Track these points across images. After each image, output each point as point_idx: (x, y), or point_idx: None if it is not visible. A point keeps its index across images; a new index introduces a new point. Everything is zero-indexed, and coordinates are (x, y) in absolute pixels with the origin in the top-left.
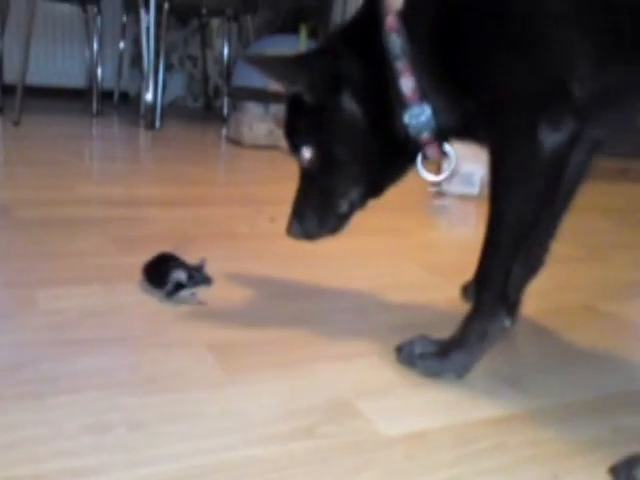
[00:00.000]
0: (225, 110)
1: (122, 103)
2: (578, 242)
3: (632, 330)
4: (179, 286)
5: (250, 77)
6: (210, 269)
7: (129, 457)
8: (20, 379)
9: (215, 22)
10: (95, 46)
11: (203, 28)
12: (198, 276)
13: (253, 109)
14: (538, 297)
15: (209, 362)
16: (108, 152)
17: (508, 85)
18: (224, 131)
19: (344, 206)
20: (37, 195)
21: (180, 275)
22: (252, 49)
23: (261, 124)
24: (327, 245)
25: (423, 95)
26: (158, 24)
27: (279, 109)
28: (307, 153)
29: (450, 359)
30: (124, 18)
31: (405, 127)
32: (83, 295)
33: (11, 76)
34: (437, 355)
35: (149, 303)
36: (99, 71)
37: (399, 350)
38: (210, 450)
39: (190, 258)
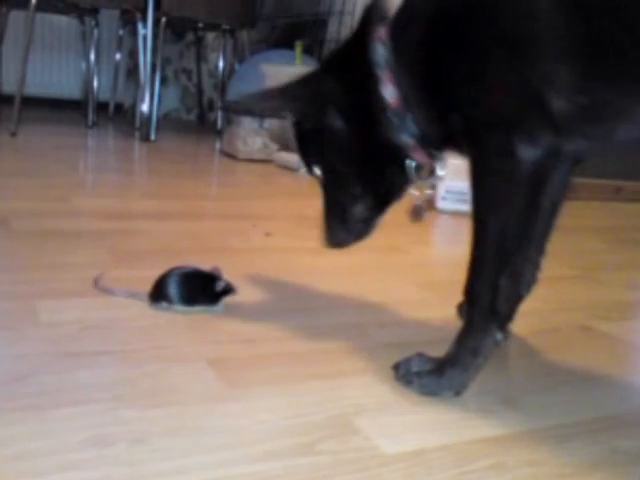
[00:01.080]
0: (219, 123)
1: (117, 115)
2: (572, 262)
3: (627, 350)
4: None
5: (245, 91)
6: None
7: (131, 471)
8: (22, 392)
9: (210, 36)
10: (92, 58)
11: (198, 42)
12: (226, 284)
13: (247, 123)
14: (533, 317)
15: (209, 377)
16: (103, 164)
17: (485, 101)
18: (218, 144)
19: (359, 213)
20: (34, 206)
21: (221, 285)
22: (247, 64)
23: (255, 138)
24: (322, 261)
25: (405, 104)
26: (154, 37)
27: (273, 123)
28: (317, 171)
29: (446, 377)
30: (121, 31)
31: (388, 132)
32: (83, 308)
33: (9, 87)
34: (433, 373)
35: (149, 316)
36: (95, 83)
37: (396, 368)
38: (210, 465)
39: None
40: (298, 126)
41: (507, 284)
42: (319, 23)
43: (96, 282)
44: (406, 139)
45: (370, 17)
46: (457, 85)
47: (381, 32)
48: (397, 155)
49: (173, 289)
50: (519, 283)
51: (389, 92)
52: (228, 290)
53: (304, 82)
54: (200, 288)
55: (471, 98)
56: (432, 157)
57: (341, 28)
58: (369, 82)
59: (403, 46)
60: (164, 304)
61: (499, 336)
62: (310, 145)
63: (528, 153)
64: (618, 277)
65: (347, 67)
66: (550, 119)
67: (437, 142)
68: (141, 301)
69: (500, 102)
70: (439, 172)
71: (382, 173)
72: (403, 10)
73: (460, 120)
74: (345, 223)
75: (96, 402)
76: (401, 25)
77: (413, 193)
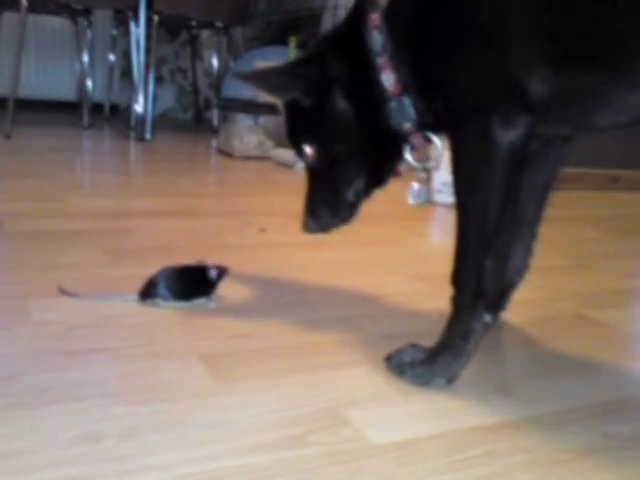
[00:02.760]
0: (215, 121)
1: (113, 115)
2: (568, 251)
3: (621, 338)
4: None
5: (240, 89)
6: None
7: (122, 466)
8: (13, 390)
9: (205, 34)
10: (85, 59)
11: (193, 40)
12: (218, 270)
13: (243, 120)
14: (528, 306)
15: (200, 372)
16: (99, 164)
17: (464, 85)
18: (214, 142)
19: (350, 196)
20: (29, 208)
21: (214, 272)
22: (242, 61)
23: (251, 135)
24: (316, 256)
25: (404, 88)
26: (148, 37)
27: (269, 120)
28: (309, 151)
29: (438, 364)
30: (114, 31)
31: (388, 119)
32: (75, 307)
33: (2, 89)
34: (425, 362)
35: (140, 314)
36: (89, 84)
37: (388, 359)
38: (201, 459)
39: None
40: (293, 105)
41: (492, 264)
42: (313, 18)
43: (61, 288)
44: (405, 124)
45: (362, 4)
46: (440, 69)
47: (376, 19)
48: (394, 138)
49: (167, 286)
50: (505, 264)
51: (388, 78)
52: (222, 274)
53: (313, 60)
54: (194, 281)
55: (451, 82)
56: (428, 141)
57: (335, 22)
58: (368, 68)
59: (398, 31)
60: (158, 301)
61: (487, 318)
62: (305, 124)
63: (505, 136)
64: (613, 266)
65: (346, 53)
66: (525, 102)
67: (431, 125)
68: (113, 302)
69: (477, 86)
70: (434, 155)
71: (378, 155)
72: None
73: (442, 104)
74: (332, 206)
75: (86, 399)
76: (395, 11)
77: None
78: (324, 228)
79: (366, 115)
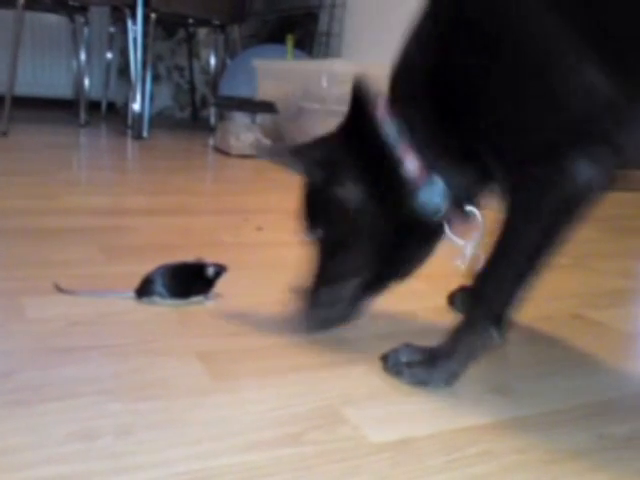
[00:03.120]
0: (212, 120)
1: (109, 113)
2: (564, 250)
3: (617, 338)
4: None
5: (237, 87)
6: None
7: (117, 464)
8: (8, 387)
9: (202, 32)
10: (82, 56)
11: (190, 38)
12: (216, 267)
13: (240, 119)
14: (525, 305)
15: (197, 370)
16: (95, 162)
17: (533, 130)
18: (211, 141)
19: (354, 289)
20: (25, 204)
21: (211, 269)
22: (238, 59)
23: (248, 134)
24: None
25: (431, 170)
26: (145, 34)
27: (265, 119)
28: (317, 234)
29: (437, 368)
30: (111, 29)
31: (421, 209)
32: (70, 304)
33: None
34: (424, 363)
35: (136, 311)
36: (86, 81)
37: (385, 358)
38: (197, 456)
39: None
40: (309, 185)
41: (521, 296)
42: (310, 17)
43: (57, 285)
44: (439, 203)
45: (362, 95)
46: (497, 124)
47: (382, 107)
48: (427, 228)
49: (164, 284)
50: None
51: (412, 166)
52: (220, 271)
53: (317, 142)
54: (191, 279)
55: (509, 132)
56: (466, 216)
57: (332, 21)
58: (385, 159)
59: (413, 111)
60: (155, 298)
61: (497, 338)
62: (315, 204)
63: (590, 178)
64: (611, 265)
65: (357, 145)
66: (608, 140)
67: (470, 197)
68: (110, 299)
69: (548, 128)
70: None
71: (399, 247)
72: (399, 78)
73: (502, 158)
74: (333, 299)
75: (82, 396)
76: (404, 93)
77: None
78: (319, 327)
79: (384, 204)
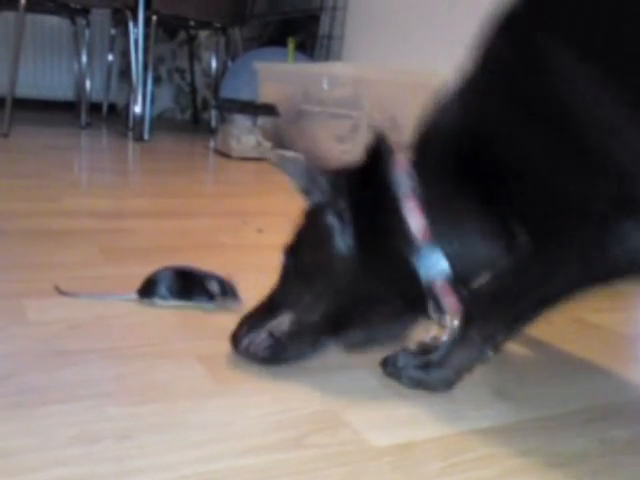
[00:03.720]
0: (213, 122)
1: (110, 115)
2: None
3: (618, 341)
4: (210, 297)
5: (238, 89)
6: None
7: (118, 467)
8: (8, 390)
9: (203, 35)
10: (84, 58)
11: (191, 41)
12: (230, 290)
13: (241, 121)
14: None
15: (198, 373)
16: (96, 164)
17: (581, 196)
18: (212, 143)
19: (289, 325)
20: (25, 207)
21: (213, 286)
22: (240, 61)
23: (249, 136)
24: None
25: (436, 237)
26: (146, 37)
27: (267, 121)
28: (289, 259)
29: (436, 372)
30: (112, 31)
31: (414, 271)
32: (71, 306)
33: (0, 89)
34: (423, 368)
35: (137, 314)
36: (88, 83)
37: (384, 363)
38: (198, 460)
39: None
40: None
41: (520, 330)
42: (311, 19)
43: (58, 288)
44: (433, 275)
45: (381, 145)
46: (533, 192)
47: (402, 160)
48: (407, 292)
49: (167, 286)
50: None
51: (418, 225)
52: (225, 290)
53: (328, 171)
54: (194, 285)
55: (558, 199)
56: (461, 299)
57: (334, 23)
58: (389, 209)
59: (434, 168)
60: (157, 300)
61: (491, 355)
62: (303, 226)
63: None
64: None
65: (365, 185)
66: None
67: (478, 272)
68: (111, 301)
69: (595, 195)
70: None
71: (364, 304)
72: (426, 135)
73: (532, 226)
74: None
75: (83, 399)
76: (428, 150)
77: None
78: (250, 356)
79: (374, 256)
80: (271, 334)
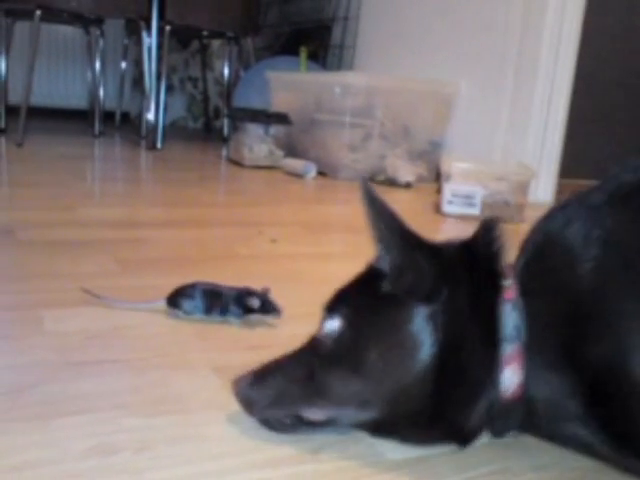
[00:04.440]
0: (225, 131)
1: (124, 123)
2: None
3: None
4: (249, 311)
5: (250, 98)
6: None
7: (136, 479)
8: (25, 401)
9: (215, 44)
10: (97, 67)
11: (204, 50)
12: (269, 305)
13: (253, 130)
14: None
15: (214, 384)
16: (110, 173)
17: None
18: (224, 152)
19: (317, 410)
20: (40, 216)
21: (254, 302)
22: (252, 71)
23: (261, 145)
24: (328, 267)
25: (528, 393)
26: (159, 46)
27: (279, 130)
28: (334, 325)
29: None
30: (126, 40)
31: (477, 421)
32: (88, 317)
33: (15, 97)
34: None
35: (154, 325)
36: (101, 92)
37: None
38: (215, 473)
39: (196, 279)
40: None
41: None
42: (323, 29)
43: (87, 290)
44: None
45: (494, 254)
46: None
47: (511, 288)
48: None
49: (196, 299)
50: None
51: (512, 378)
52: (267, 308)
53: (437, 252)
54: (228, 301)
55: None
56: None
57: (345, 33)
58: (485, 348)
59: (546, 311)
60: (182, 313)
61: None
62: (363, 297)
63: None
64: None
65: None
66: None
67: None
68: (144, 310)
69: None
70: None
71: (428, 427)
72: (539, 265)
73: None
74: (283, 399)
75: (100, 411)
76: (540, 285)
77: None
78: (249, 406)
79: (453, 395)
80: (299, 418)
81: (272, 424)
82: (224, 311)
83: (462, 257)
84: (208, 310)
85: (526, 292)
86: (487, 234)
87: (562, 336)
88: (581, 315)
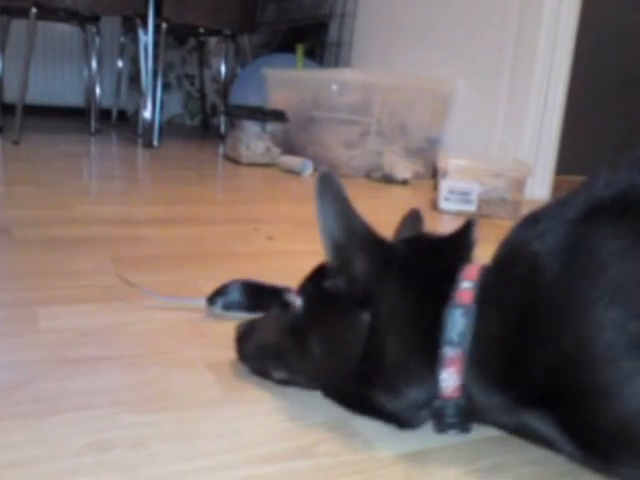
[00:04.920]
0: (222, 128)
1: (120, 121)
2: None
3: None
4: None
5: (247, 96)
6: (208, 288)
7: (131, 476)
8: (20, 398)
9: (212, 41)
10: (94, 65)
11: (200, 47)
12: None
13: (250, 127)
14: None
15: (209, 381)
16: (106, 171)
17: None
18: (221, 149)
19: (280, 372)
20: (37, 214)
21: (292, 298)
22: (249, 68)
23: (258, 142)
24: None
25: (465, 396)
26: (156, 44)
27: (276, 127)
28: (298, 303)
29: None
30: (122, 38)
31: (412, 409)
32: (83, 314)
33: (11, 95)
34: None
35: (150, 322)
36: (97, 90)
37: None
38: (210, 469)
39: (193, 277)
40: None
41: None
42: (320, 26)
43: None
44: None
45: (459, 257)
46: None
47: (467, 290)
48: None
49: (241, 297)
50: None
51: (450, 380)
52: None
53: (382, 243)
54: (269, 297)
55: None
56: None
57: (342, 30)
58: (423, 343)
59: (498, 320)
60: (221, 310)
61: None
62: (316, 281)
63: None
64: None
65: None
66: None
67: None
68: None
69: None
70: None
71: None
72: (499, 275)
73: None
74: (262, 351)
75: (95, 407)
76: (495, 294)
77: None
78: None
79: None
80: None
81: (259, 372)
82: (264, 308)
83: (420, 258)
84: (250, 307)
85: (483, 300)
86: (460, 236)
87: (510, 348)
88: (532, 329)
